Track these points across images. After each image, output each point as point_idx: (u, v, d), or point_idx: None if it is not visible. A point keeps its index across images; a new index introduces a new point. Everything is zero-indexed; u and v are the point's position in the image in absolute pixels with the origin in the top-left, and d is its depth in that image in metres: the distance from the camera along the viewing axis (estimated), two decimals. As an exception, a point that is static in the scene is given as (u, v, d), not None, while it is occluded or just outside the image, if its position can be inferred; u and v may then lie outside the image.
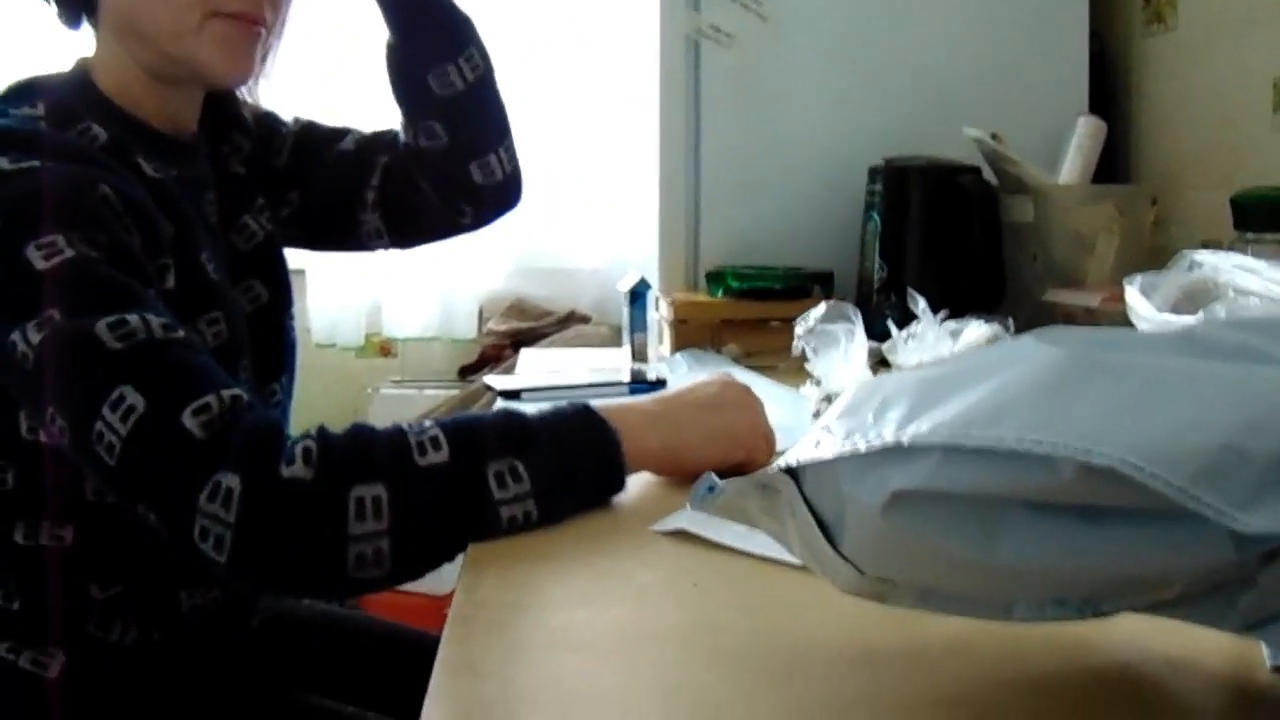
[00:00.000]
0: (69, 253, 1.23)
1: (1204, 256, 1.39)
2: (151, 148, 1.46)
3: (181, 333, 1.24)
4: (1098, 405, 0.62)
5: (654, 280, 2.54)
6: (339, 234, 1.81)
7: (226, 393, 1.19)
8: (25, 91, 1.43)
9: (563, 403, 1.29)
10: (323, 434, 1.18)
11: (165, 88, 1.50)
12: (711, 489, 0.82)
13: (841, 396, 0.74)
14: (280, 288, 1.67)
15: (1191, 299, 1.36)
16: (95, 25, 1.51)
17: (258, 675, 1.62)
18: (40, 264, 1.22)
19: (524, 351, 2.55)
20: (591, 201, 3.87)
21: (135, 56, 1.47)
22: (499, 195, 1.78)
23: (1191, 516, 0.61)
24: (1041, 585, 0.70)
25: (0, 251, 1.23)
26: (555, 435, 1.23)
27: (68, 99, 1.43)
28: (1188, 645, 0.86)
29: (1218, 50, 2.45)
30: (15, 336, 1.21)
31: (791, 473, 0.74)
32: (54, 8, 1.52)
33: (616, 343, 2.89)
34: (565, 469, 1.22)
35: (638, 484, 1.32)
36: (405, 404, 3.62)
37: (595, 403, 1.29)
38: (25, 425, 1.36)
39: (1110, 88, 2.77)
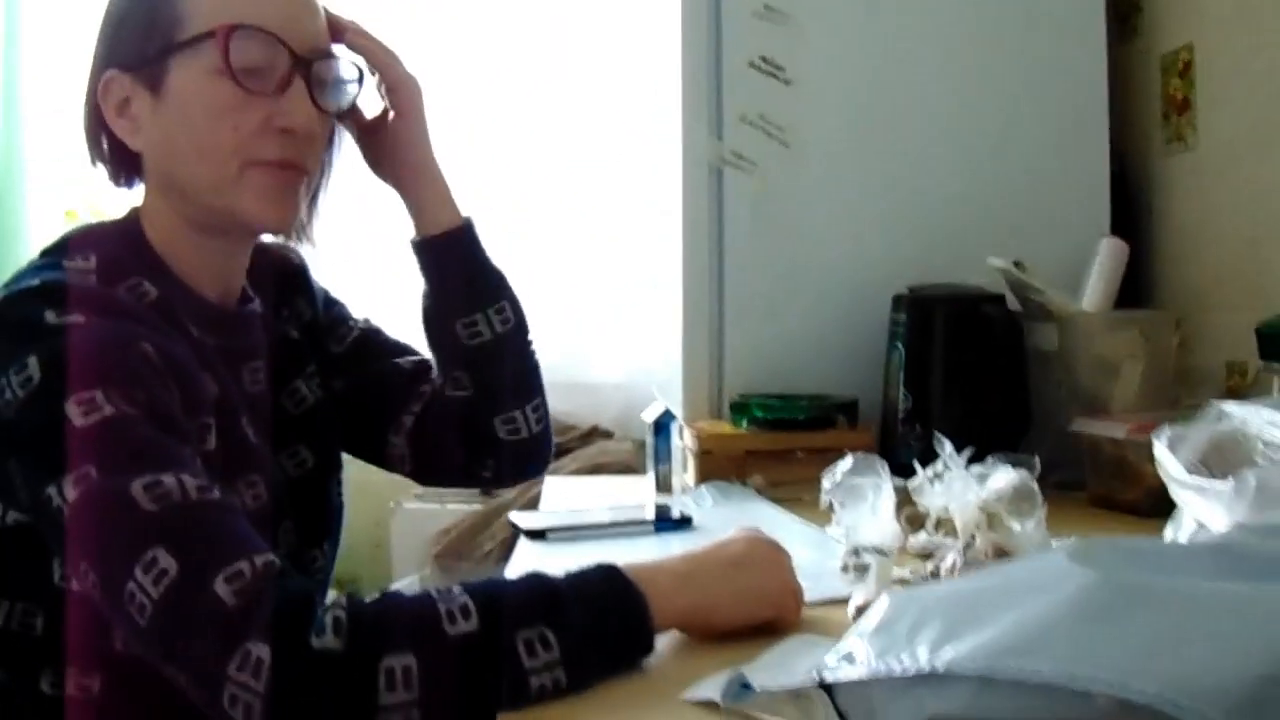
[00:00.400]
0: (107, 410, 1.23)
1: (1233, 408, 1.39)
2: (197, 313, 1.48)
3: (217, 494, 1.24)
4: (1133, 637, 0.62)
5: (676, 401, 2.54)
6: (365, 445, 1.81)
7: (259, 559, 1.19)
8: (79, 244, 1.45)
9: (589, 565, 1.29)
10: (353, 603, 1.17)
11: (211, 240, 1.51)
12: (746, 686, 0.82)
13: (874, 608, 0.74)
14: (328, 453, 1.67)
15: (1220, 451, 1.36)
16: (143, 181, 1.53)
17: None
18: (79, 420, 1.23)
19: (548, 482, 2.54)
20: (614, 316, 3.88)
21: (179, 211, 1.48)
22: (523, 454, 1.76)
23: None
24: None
25: (40, 405, 1.24)
26: (583, 601, 1.22)
27: (120, 253, 1.44)
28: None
29: (1239, 169, 2.45)
30: (51, 490, 1.22)
31: (824, 686, 0.74)
32: (103, 169, 1.55)
33: (640, 459, 2.88)
34: (594, 635, 1.21)
35: (666, 643, 1.31)
36: (427, 518, 3.61)
37: (621, 563, 1.28)
38: (58, 573, 1.35)
39: (1132, 208, 2.77)
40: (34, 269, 1.39)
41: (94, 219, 1.50)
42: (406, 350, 1.82)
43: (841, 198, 2.60)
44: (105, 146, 1.54)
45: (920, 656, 0.67)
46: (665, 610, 1.27)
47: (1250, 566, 0.70)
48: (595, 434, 3.80)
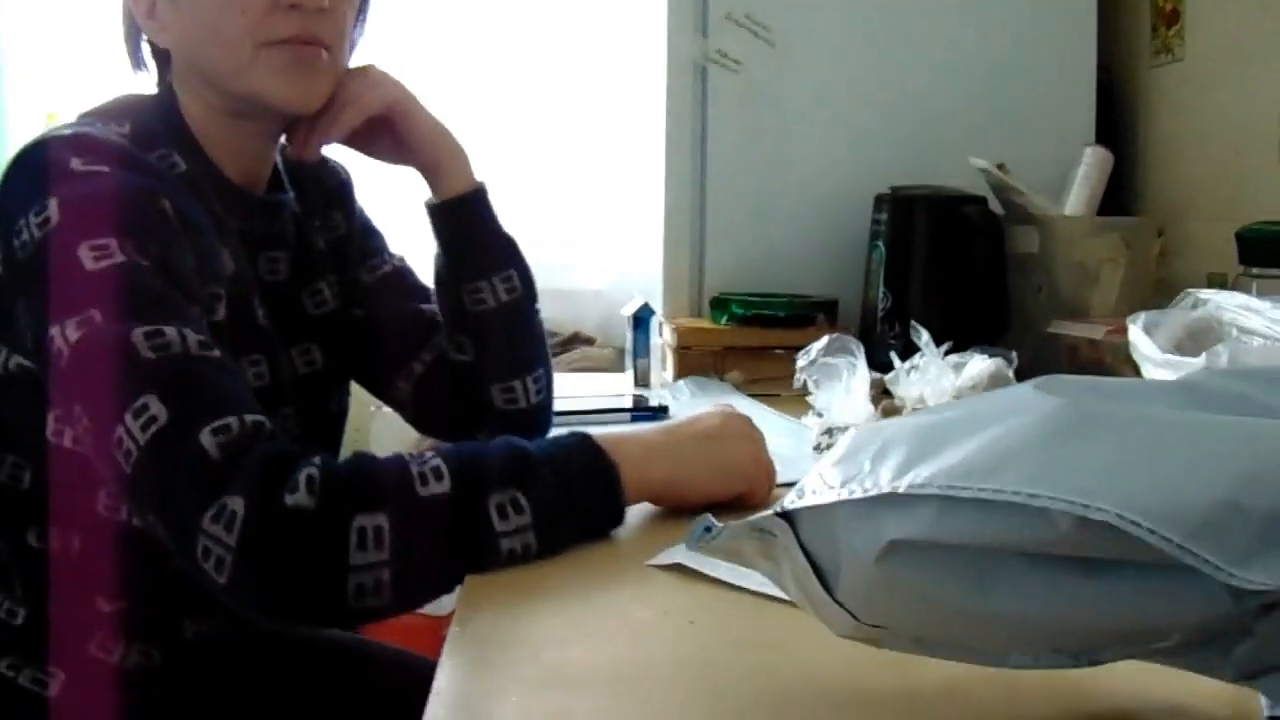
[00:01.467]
0: (119, 258, 1.24)
1: (1208, 295, 1.39)
2: (222, 193, 1.47)
3: (218, 353, 1.24)
4: (1096, 459, 0.62)
5: (658, 305, 2.53)
6: (371, 379, 1.80)
7: (250, 417, 1.19)
8: (117, 110, 1.45)
9: (564, 433, 1.29)
10: (326, 463, 1.17)
11: (241, 123, 1.50)
12: (709, 530, 0.81)
13: (840, 442, 0.74)
14: (338, 359, 1.67)
15: (1194, 338, 1.36)
16: (166, 71, 1.54)
17: (255, 699, 1.61)
18: (90, 264, 1.23)
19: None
20: (596, 222, 3.86)
21: (206, 99, 1.48)
22: (519, 424, 1.70)
23: (1188, 570, 0.61)
24: (1037, 636, 0.70)
25: (54, 247, 1.24)
26: (556, 467, 1.22)
27: (154, 125, 1.45)
28: (1186, 692, 0.85)
29: (1225, 81, 2.45)
30: (55, 331, 1.22)
31: (787, 517, 0.74)
32: (145, 74, 1.57)
33: (621, 365, 2.89)
34: (566, 502, 1.22)
35: (637, 516, 1.32)
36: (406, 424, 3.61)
37: (596, 433, 1.29)
38: (51, 427, 1.35)
39: (1117, 119, 2.77)
40: (70, 125, 1.40)
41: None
42: (430, 296, 1.80)
43: (826, 97, 2.59)
44: (143, 52, 1.56)
45: (882, 480, 0.67)
46: (637, 479, 1.27)
47: (1216, 403, 0.70)
48: (577, 340, 3.79)
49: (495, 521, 1.17)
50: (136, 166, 1.34)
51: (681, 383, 2.23)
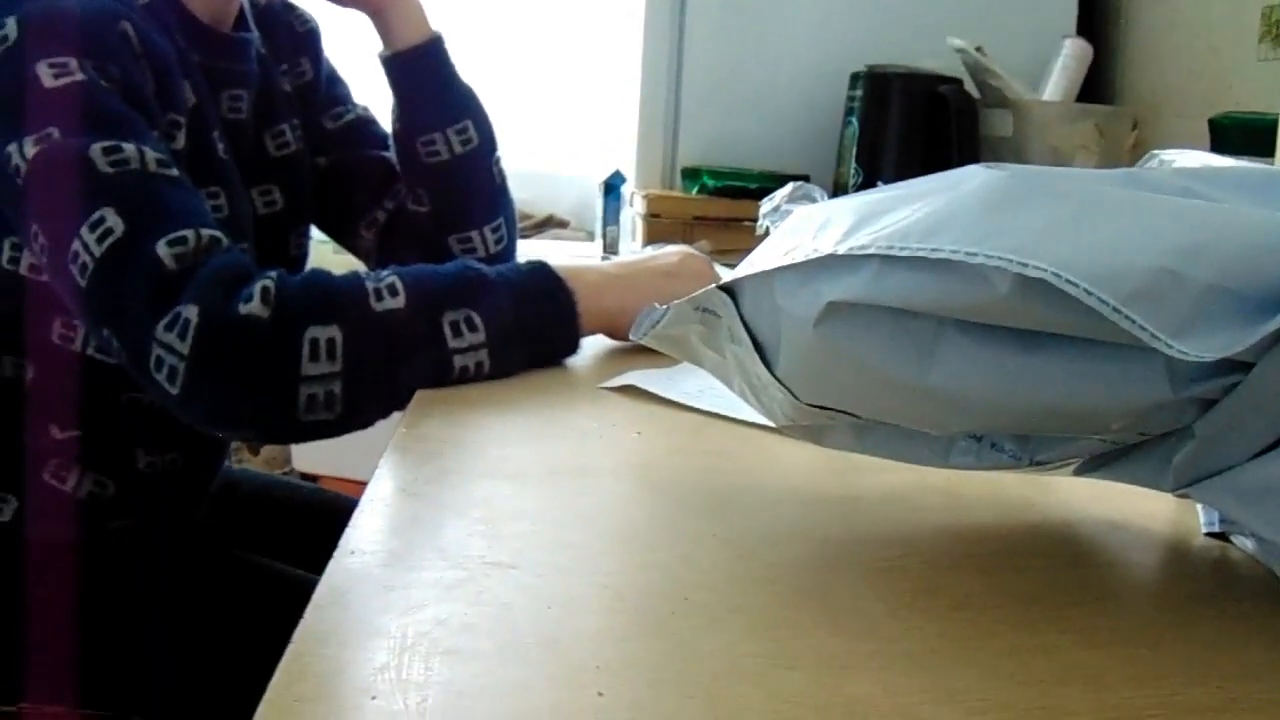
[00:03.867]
0: (79, 76, 1.22)
1: (1171, 154, 1.38)
2: (187, 27, 1.45)
3: (176, 171, 1.23)
4: (1036, 221, 0.62)
5: (631, 177, 2.53)
6: (335, 227, 1.79)
7: (206, 231, 1.18)
8: None
9: (523, 260, 1.29)
10: (281, 275, 1.17)
11: None
12: (653, 315, 0.81)
13: (784, 222, 0.74)
14: (298, 202, 1.66)
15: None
16: None
17: (211, 537, 1.62)
18: (49, 81, 1.21)
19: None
20: (574, 106, 3.84)
21: None
22: None
23: (1128, 349, 0.61)
24: (975, 413, 0.70)
25: (13, 64, 1.22)
26: (512, 289, 1.23)
27: None
28: (1126, 509, 0.86)
29: (1208, -24, 2.44)
30: (12, 149, 1.20)
31: (729, 291, 0.74)
32: None
33: (594, 243, 2.88)
34: (521, 323, 1.22)
35: (592, 349, 1.33)
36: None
37: (554, 262, 1.28)
38: (6, 254, 1.35)
39: (1098, 11, 2.76)
40: None
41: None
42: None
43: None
44: None
45: (821, 246, 0.66)
46: (592, 308, 1.28)
47: (1159, 188, 0.69)
48: (550, 222, 3.79)
49: (449, 338, 1.17)
50: None
51: (649, 249, 2.23)
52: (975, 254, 0.61)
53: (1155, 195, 0.66)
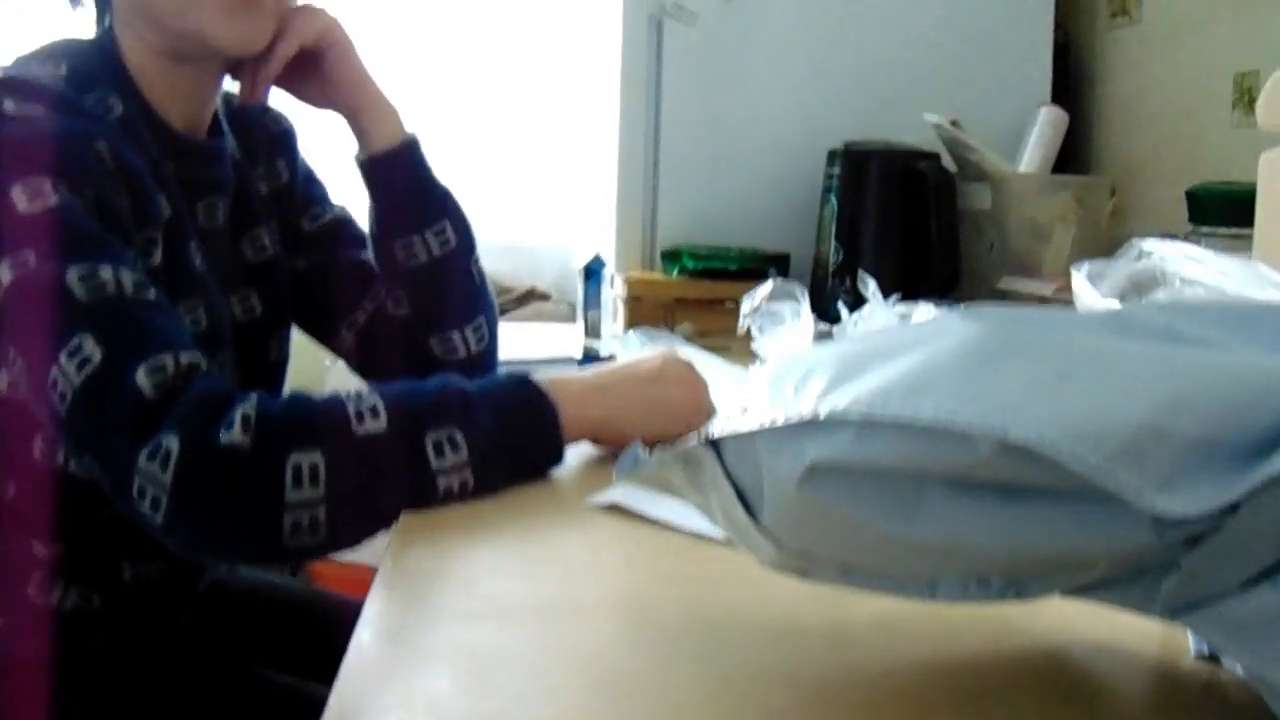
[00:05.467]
0: (53, 199, 1.22)
1: (1153, 245, 1.38)
2: (160, 137, 1.45)
3: (153, 294, 1.23)
4: (1017, 381, 0.61)
5: (610, 258, 2.53)
6: (316, 328, 1.78)
7: (185, 356, 1.18)
8: (52, 53, 1.42)
9: (503, 373, 1.28)
10: (261, 401, 1.16)
11: (180, 66, 1.47)
12: (637, 459, 0.81)
13: (764, 369, 0.73)
14: (278, 307, 1.65)
15: (1138, 288, 1.35)
16: (105, 10, 1.50)
17: (198, 644, 1.61)
18: (23, 205, 1.21)
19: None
20: (555, 180, 3.85)
21: (147, 40, 1.45)
22: (463, 373, 1.69)
23: (1111, 499, 0.60)
24: (961, 563, 0.70)
25: None
26: (494, 405, 1.22)
27: (92, 66, 1.41)
28: (1115, 630, 0.86)
29: (1181, 44, 2.46)
30: None
31: (713, 445, 0.73)
32: (83, 11, 1.54)
33: (575, 319, 2.88)
34: (503, 439, 1.22)
35: (576, 457, 1.32)
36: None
37: (536, 374, 1.28)
38: None
39: (1073, 79, 2.78)
40: (3, 67, 1.38)
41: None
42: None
43: (781, 51, 2.58)
44: None
45: (803, 405, 0.66)
46: (576, 418, 1.28)
47: (1142, 332, 0.69)
48: (532, 295, 3.78)
49: (432, 459, 1.16)
50: (71, 109, 1.32)
51: (631, 333, 2.22)
52: (957, 418, 0.61)
53: (1137, 345, 0.66)
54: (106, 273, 1.20)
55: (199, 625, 1.62)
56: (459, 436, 1.18)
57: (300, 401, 1.19)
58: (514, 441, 1.23)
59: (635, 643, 0.86)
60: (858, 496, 0.66)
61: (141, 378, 1.14)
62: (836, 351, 0.70)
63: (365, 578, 1.20)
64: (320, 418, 1.17)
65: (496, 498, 1.20)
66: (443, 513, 1.15)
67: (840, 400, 0.65)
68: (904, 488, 0.65)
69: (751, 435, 0.70)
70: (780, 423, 0.67)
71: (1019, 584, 0.75)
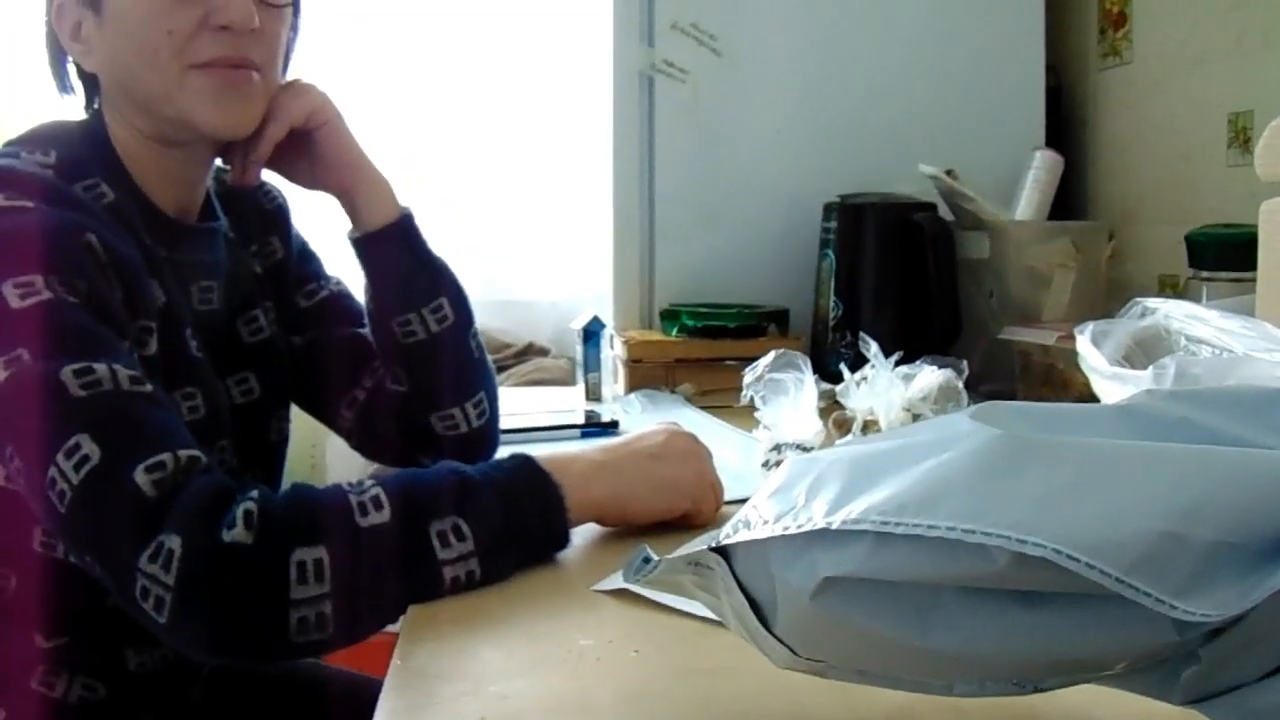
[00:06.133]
0: (45, 295, 1.21)
1: (1156, 304, 1.38)
2: (152, 223, 1.44)
3: (150, 387, 1.21)
4: (1032, 491, 0.60)
5: (608, 317, 2.52)
6: (315, 406, 1.77)
7: (184, 452, 1.17)
8: (42, 138, 1.41)
9: (506, 456, 1.27)
10: (264, 496, 1.15)
11: (170, 150, 1.47)
12: (647, 561, 0.80)
13: (775, 473, 0.72)
14: (277, 387, 1.64)
15: (1143, 347, 1.35)
16: (95, 96, 1.51)
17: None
18: (15, 303, 1.20)
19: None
20: (551, 234, 3.84)
21: (135, 125, 1.45)
22: (463, 448, 1.66)
23: (1131, 602, 0.59)
24: (979, 669, 0.69)
25: None
26: (499, 491, 1.21)
27: (81, 153, 1.41)
28: (1136, 714, 0.84)
29: (1173, 85, 2.45)
30: None
31: (722, 552, 0.72)
32: (71, 98, 1.53)
33: (575, 376, 2.87)
34: (509, 525, 1.20)
35: (582, 538, 1.30)
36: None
37: (539, 454, 1.27)
38: None
39: (1066, 122, 2.77)
40: None
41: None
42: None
43: (774, 106, 2.59)
44: (69, 75, 1.52)
45: (815, 515, 0.65)
46: (581, 500, 1.27)
47: (1155, 428, 0.68)
48: (531, 351, 3.77)
49: (438, 550, 1.15)
50: (62, 201, 1.31)
51: (633, 396, 2.22)
52: (973, 531, 0.60)
53: (1152, 447, 0.65)
54: (102, 368, 1.18)
55: (208, 706, 1.61)
56: (464, 526, 1.17)
57: (302, 494, 1.18)
58: (520, 528, 1.22)
59: (650, 746, 0.84)
60: (873, 608, 0.65)
61: (141, 477, 1.13)
62: (848, 456, 0.69)
63: (375, 650, 1.20)
64: (323, 511, 1.15)
65: (501, 585, 1.18)
66: (448, 604, 1.14)
67: (853, 511, 0.64)
68: (919, 598, 0.64)
69: (763, 544, 0.69)
70: (792, 532, 0.66)
71: (1038, 681, 0.74)
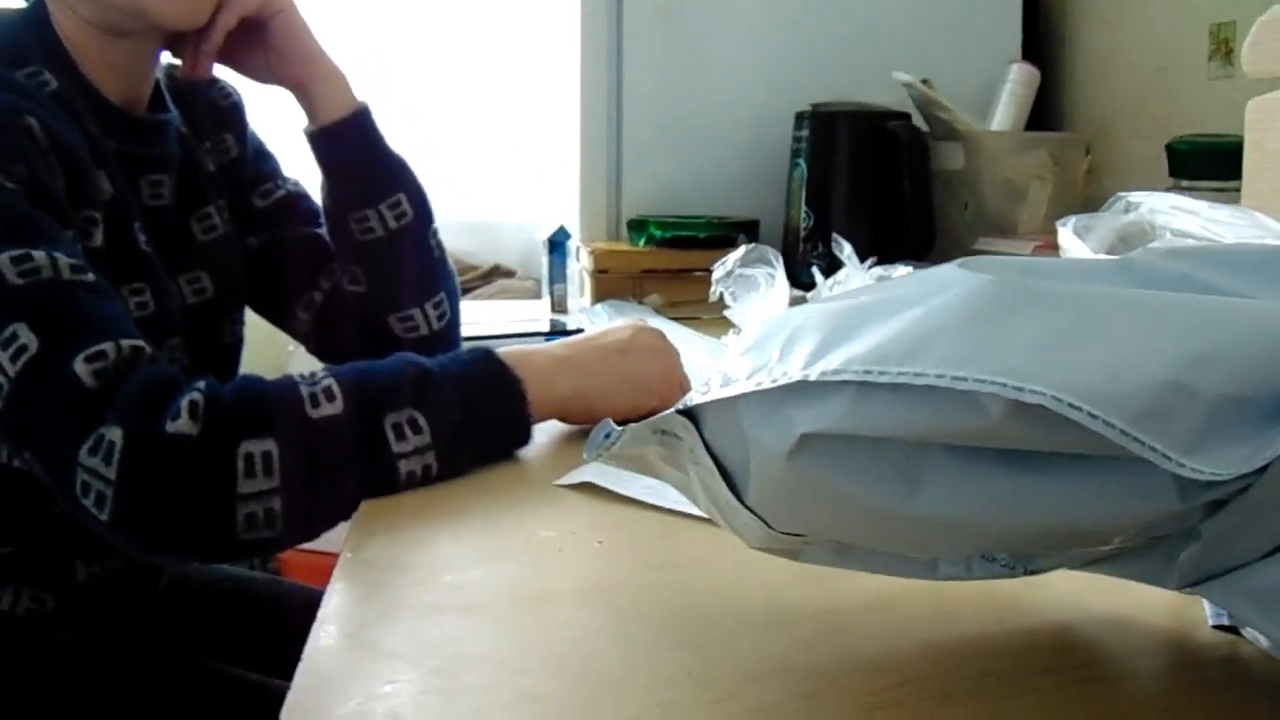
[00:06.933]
0: None
1: (1140, 197, 1.34)
2: (99, 112, 1.39)
3: (92, 277, 1.17)
4: (1029, 337, 0.56)
5: (575, 230, 2.48)
6: (270, 309, 1.72)
7: (127, 342, 1.12)
8: None
9: (465, 350, 1.23)
10: (210, 386, 1.11)
11: (117, 41, 1.41)
12: (608, 435, 0.75)
13: (748, 330, 0.67)
14: (230, 286, 1.59)
15: (1127, 241, 1.31)
16: None
17: (160, 642, 1.55)
18: None
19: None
20: (518, 154, 3.80)
21: (81, 13, 1.38)
22: (425, 351, 1.61)
23: (1131, 462, 0.55)
24: (966, 539, 0.64)
25: None
26: (457, 384, 1.17)
27: (22, 39, 1.35)
28: (1126, 603, 0.81)
29: (1152, -3, 2.42)
30: None
31: (690, 415, 0.67)
32: None
33: (541, 294, 2.83)
34: (468, 419, 1.16)
35: (545, 436, 1.27)
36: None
37: (501, 349, 1.22)
38: None
39: (1044, 34, 2.73)
40: None
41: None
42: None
43: (745, 14, 2.54)
44: None
45: (791, 368, 0.60)
46: (543, 395, 1.23)
47: (1155, 282, 0.64)
48: (497, 273, 3.74)
49: (392, 443, 1.11)
50: (1, 85, 1.25)
51: (599, 307, 2.17)
52: (964, 378, 0.55)
53: (1157, 294, 0.60)
54: (41, 256, 1.13)
55: (160, 622, 1.57)
56: (420, 419, 1.12)
57: (251, 385, 1.14)
58: (479, 421, 1.18)
59: (615, 635, 0.80)
60: (853, 469, 0.60)
61: (80, 366, 1.08)
62: (826, 309, 0.64)
63: (324, 562, 1.15)
64: (272, 402, 1.11)
65: (459, 481, 1.14)
66: (404, 499, 1.10)
67: (833, 362, 0.59)
68: (904, 458, 0.60)
69: (734, 403, 0.64)
70: (766, 387, 0.61)
71: (1027, 560, 0.70)
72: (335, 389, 1.12)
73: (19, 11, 1.41)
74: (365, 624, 0.82)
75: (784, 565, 0.75)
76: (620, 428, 0.74)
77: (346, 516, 1.09)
